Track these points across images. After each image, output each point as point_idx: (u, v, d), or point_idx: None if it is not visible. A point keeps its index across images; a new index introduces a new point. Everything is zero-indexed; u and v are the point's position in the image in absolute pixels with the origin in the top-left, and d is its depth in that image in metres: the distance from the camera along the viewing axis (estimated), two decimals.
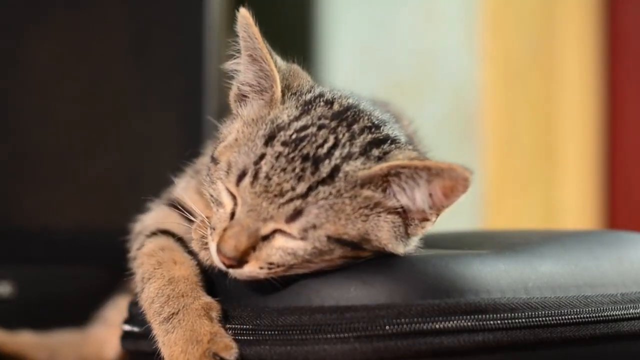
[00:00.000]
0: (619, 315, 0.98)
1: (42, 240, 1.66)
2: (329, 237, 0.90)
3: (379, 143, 0.94)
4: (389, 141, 0.95)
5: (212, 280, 0.98)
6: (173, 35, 1.73)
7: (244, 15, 0.97)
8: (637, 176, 2.60)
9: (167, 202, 1.09)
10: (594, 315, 0.96)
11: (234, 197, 0.93)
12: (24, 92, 1.69)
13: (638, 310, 0.99)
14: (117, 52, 1.73)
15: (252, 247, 0.90)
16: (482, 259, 0.96)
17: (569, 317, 0.94)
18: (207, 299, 0.95)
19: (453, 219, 2.55)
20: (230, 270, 0.92)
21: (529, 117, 2.47)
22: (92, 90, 1.70)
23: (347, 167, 0.91)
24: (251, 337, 0.92)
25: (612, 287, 1.00)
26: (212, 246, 0.92)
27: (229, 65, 1.00)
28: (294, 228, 0.90)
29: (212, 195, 0.95)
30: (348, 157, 0.92)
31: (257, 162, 0.91)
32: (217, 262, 0.92)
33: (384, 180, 0.92)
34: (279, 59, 1.00)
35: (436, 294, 0.91)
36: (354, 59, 2.41)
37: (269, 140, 0.92)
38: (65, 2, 1.71)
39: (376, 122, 0.97)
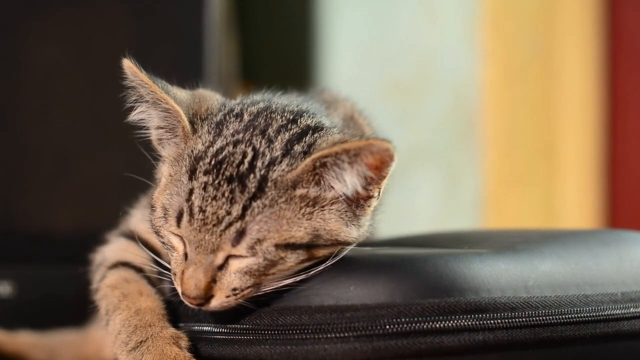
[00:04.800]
0: (619, 314, 0.97)
1: (41, 240, 1.66)
2: (276, 246, 0.89)
3: (299, 137, 0.93)
4: (310, 132, 0.94)
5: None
6: (173, 35, 1.73)
7: (128, 65, 0.96)
8: (637, 175, 2.60)
9: (124, 233, 1.09)
10: (594, 314, 0.96)
11: (181, 238, 0.92)
12: (24, 92, 1.69)
13: (638, 309, 0.99)
14: (117, 52, 1.73)
15: (213, 280, 0.90)
16: (482, 258, 0.95)
17: (569, 316, 0.94)
18: (175, 330, 0.96)
19: (453, 219, 2.55)
20: (202, 308, 0.92)
21: (529, 116, 2.47)
22: (92, 90, 1.70)
23: (273, 175, 0.90)
24: (251, 337, 0.92)
25: (612, 286, 1.00)
26: (179, 290, 0.92)
27: (134, 116, 0.99)
28: (242, 249, 0.89)
29: (163, 243, 0.95)
30: (272, 164, 0.91)
31: (188, 199, 0.91)
32: (189, 305, 0.92)
33: (314, 174, 0.91)
34: (178, 92, 0.99)
35: (436, 293, 0.91)
36: (354, 58, 2.41)
37: (192, 173, 0.92)
38: (65, 2, 1.71)
39: (291, 117, 0.96)
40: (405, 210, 2.36)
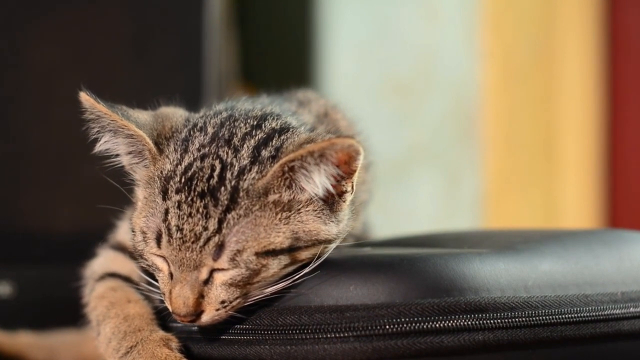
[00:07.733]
0: (619, 314, 0.97)
1: (41, 240, 1.66)
2: (257, 254, 0.89)
3: (265, 142, 0.93)
4: (275, 135, 0.94)
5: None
6: (173, 35, 1.73)
7: (85, 98, 0.96)
8: (637, 175, 2.60)
9: (112, 246, 1.09)
10: (594, 314, 0.96)
11: (164, 259, 0.93)
12: (24, 92, 1.69)
13: (638, 309, 0.99)
14: (117, 52, 1.73)
15: (201, 296, 0.90)
16: (482, 258, 0.95)
17: (569, 316, 0.94)
18: (164, 333, 0.96)
19: (453, 219, 2.55)
20: (195, 324, 0.92)
21: (529, 116, 2.47)
22: (92, 90, 1.70)
23: (244, 184, 0.90)
24: (251, 337, 0.92)
25: (612, 285, 1.00)
26: (170, 309, 0.92)
27: (100, 147, 0.99)
28: (223, 262, 0.90)
29: (148, 266, 0.95)
30: (241, 173, 0.91)
31: (165, 219, 0.91)
32: (181, 322, 0.93)
33: (284, 179, 0.91)
34: (140, 115, 0.99)
35: (436, 293, 0.91)
36: (353, 58, 2.42)
37: (165, 194, 0.92)
38: (65, 2, 1.71)
39: (255, 123, 0.95)
40: (405, 210, 2.36)
